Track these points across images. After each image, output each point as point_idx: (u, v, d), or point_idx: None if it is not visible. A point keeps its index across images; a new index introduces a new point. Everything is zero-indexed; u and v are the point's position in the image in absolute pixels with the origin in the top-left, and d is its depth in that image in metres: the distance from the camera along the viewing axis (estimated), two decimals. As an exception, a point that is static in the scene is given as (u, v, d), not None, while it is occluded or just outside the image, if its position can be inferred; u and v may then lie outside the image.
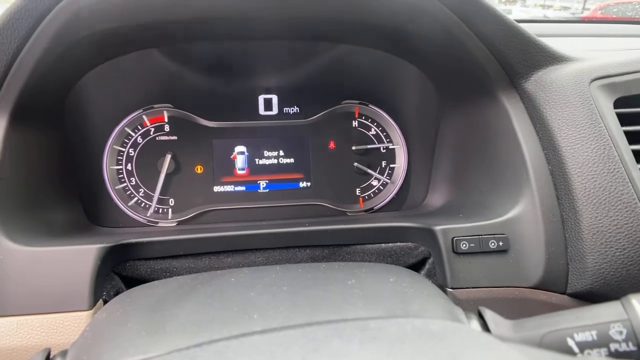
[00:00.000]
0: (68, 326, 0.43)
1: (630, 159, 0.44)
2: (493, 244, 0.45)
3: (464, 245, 0.45)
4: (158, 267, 0.49)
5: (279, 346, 0.24)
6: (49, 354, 0.30)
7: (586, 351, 0.27)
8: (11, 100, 0.45)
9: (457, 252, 0.46)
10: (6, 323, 0.42)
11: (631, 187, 0.43)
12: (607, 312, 0.27)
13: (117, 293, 0.46)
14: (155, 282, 0.38)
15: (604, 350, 0.26)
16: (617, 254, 0.42)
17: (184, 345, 0.25)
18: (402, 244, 0.52)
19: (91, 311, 0.43)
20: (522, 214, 0.47)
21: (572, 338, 0.27)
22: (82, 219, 0.59)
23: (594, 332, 0.27)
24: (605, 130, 0.44)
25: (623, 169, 0.44)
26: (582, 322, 0.28)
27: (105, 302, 0.45)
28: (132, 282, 0.48)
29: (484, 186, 0.54)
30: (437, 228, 0.47)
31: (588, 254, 0.43)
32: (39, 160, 0.52)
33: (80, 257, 0.43)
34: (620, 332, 0.27)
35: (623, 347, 0.26)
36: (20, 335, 0.43)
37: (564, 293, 0.44)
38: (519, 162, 0.48)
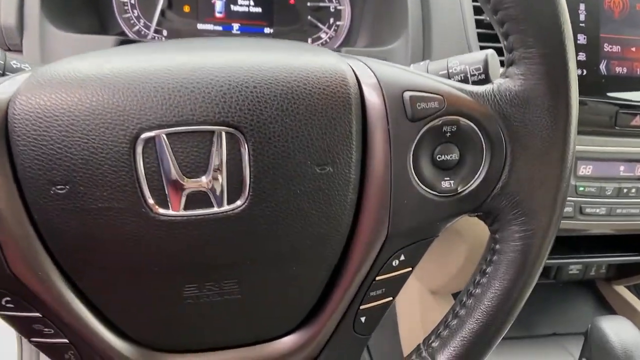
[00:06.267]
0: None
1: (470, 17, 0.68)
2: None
3: None
4: None
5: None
6: None
7: None
8: None
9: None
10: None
11: (464, 32, 0.68)
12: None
13: None
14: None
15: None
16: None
17: None
18: None
19: None
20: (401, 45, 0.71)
21: None
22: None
23: None
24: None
25: (463, 24, 0.67)
26: None
27: None
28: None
29: (385, 34, 0.78)
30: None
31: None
32: None
33: (103, 41, 0.67)
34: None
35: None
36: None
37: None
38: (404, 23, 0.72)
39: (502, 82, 0.37)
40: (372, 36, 0.83)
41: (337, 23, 0.91)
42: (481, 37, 0.67)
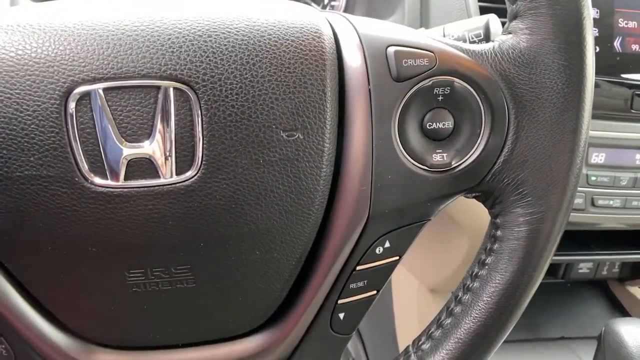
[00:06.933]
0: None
1: None
2: None
3: None
4: None
5: None
6: None
7: None
8: None
9: None
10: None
11: (464, 4, 0.63)
12: None
13: None
14: None
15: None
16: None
17: None
18: None
19: None
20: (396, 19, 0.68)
21: None
22: None
23: None
24: None
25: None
26: None
27: None
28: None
29: (380, 9, 0.75)
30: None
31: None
32: None
33: None
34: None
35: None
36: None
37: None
38: None
39: (505, 39, 0.32)
40: (368, 13, 0.79)
41: (332, 3, 0.86)
42: (483, 11, 0.62)
